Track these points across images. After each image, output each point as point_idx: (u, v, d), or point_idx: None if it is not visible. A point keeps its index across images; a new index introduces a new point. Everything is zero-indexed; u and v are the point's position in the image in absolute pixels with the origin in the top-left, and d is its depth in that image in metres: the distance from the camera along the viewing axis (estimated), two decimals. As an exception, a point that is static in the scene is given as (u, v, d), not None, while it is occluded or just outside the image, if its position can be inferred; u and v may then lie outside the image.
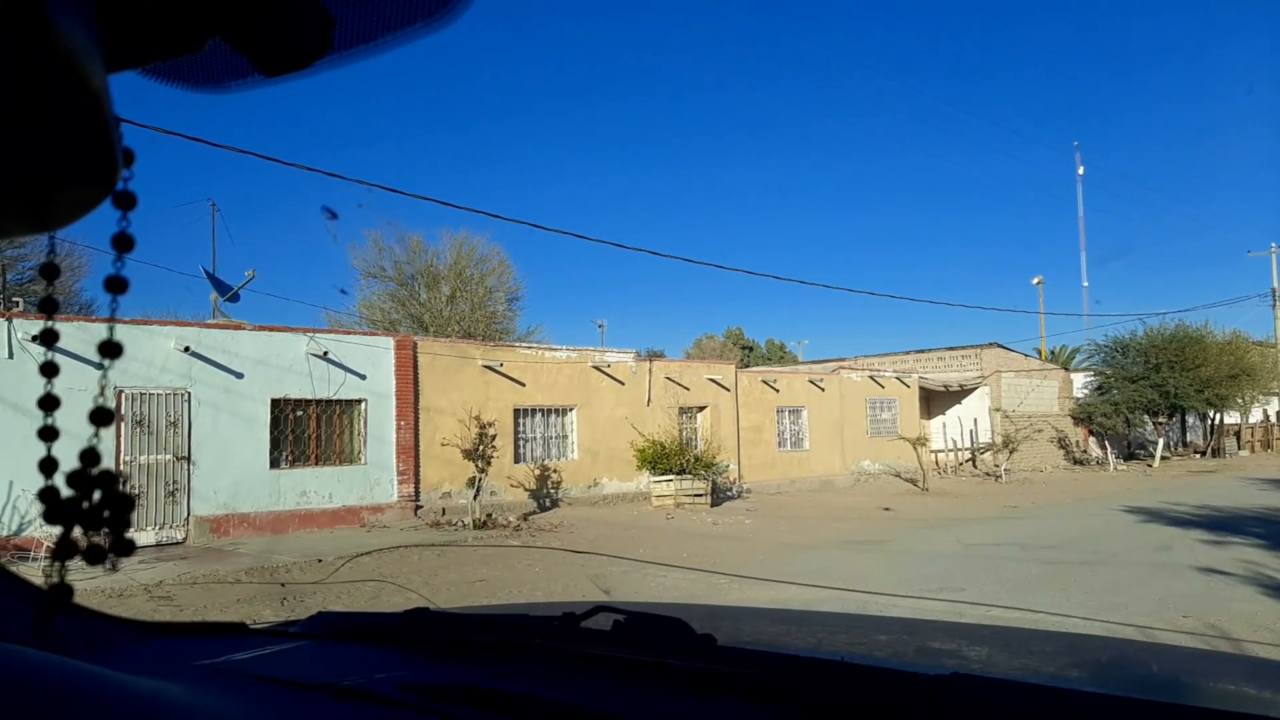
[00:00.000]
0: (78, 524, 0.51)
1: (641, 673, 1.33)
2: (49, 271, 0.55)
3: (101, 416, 0.54)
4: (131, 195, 0.51)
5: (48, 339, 0.56)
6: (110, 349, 0.54)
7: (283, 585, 9.12)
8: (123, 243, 0.52)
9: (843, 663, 1.32)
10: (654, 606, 1.66)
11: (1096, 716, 1.13)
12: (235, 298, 18.14)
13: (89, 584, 9.37)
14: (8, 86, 0.42)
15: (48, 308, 0.56)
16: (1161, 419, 33.26)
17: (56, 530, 0.51)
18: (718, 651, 1.31)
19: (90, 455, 0.52)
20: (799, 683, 1.22)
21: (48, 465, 0.55)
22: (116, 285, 0.54)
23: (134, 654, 1.47)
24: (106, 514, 0.51)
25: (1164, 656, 2.03)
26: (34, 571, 9.71)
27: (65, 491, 0.52)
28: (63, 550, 0.51)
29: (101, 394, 0.53)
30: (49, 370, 0.56)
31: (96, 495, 0.52)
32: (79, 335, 12.42)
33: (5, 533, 11.28)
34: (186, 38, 0.56)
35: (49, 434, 0.56)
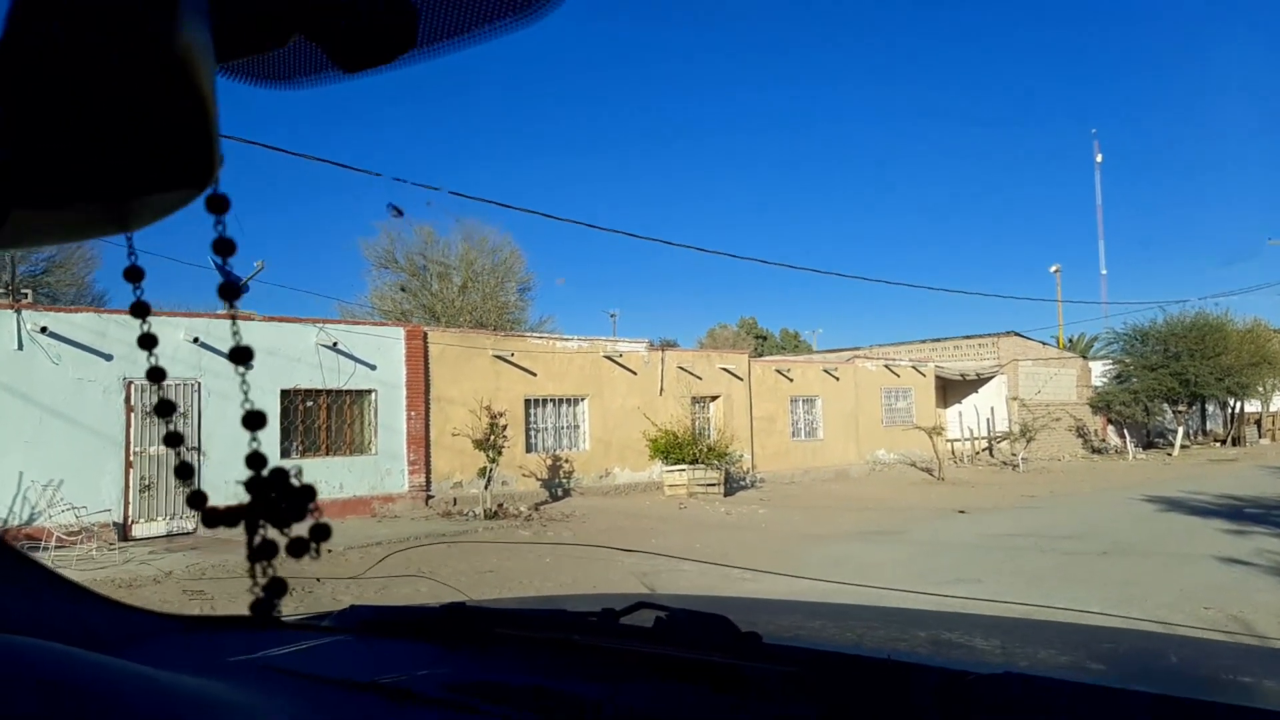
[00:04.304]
0: (270, 522, 0.52)
1: (685, 670, 1.30)
2: (134, 274, 0.55)
3: (254, 420, 0.55)
4: (225, 198, 0.51)
5: (147, 343, 0.56)
6: (241, 354, 0.54)
7: (318, 580, 9.05)
8: (224, 246, 0.52)
9: (890, 661, 1.29)
10: (693, 601, 1.67)
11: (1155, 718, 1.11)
12: (245, 288, 18.15)
13: (98, 574, 9.37)
14: (122, 90, 0.42)
15: (139, 312, 0.56)
16: (1181, 407, 32.93)
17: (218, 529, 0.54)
18: (763, 649, 1.29)
19: (257, 459, 0.53)
20: (849, 681, 1.20)
21: (184, 470, 0.57)
22: (231, 292, 0.54)
23: (168, 649, 1.46)
24: (289, 508, 0.53)
25: (1211, 653, 2.00)
26: (45, 561, 9.69)
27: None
28: (261, 551, 0.53)
29: (245, 399, 0.54)
30: (156, 375, 0.57)
31: (274, 493, 0.53)
32: (89, 326, 12.45)
33: (16, 523, 11.30)
34: (272, 33, 0.56)
35: (174, 440, 0.58)
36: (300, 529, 0.53)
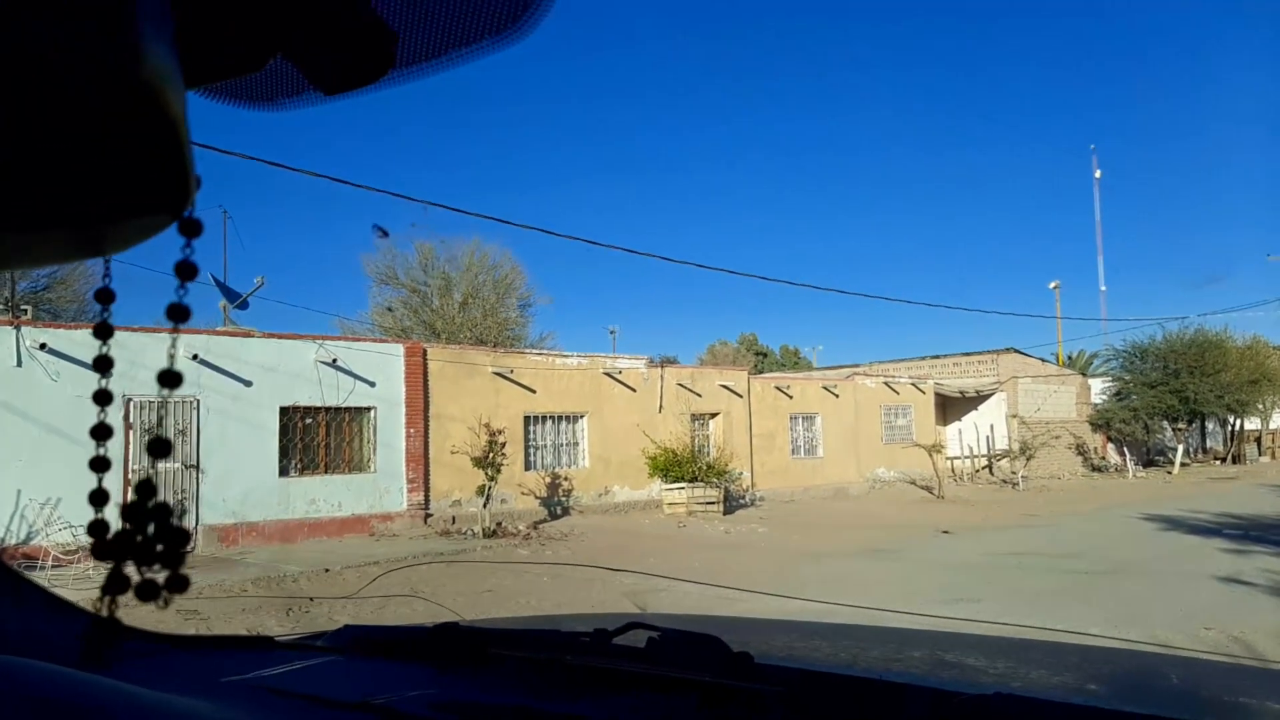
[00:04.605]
0: (131, 559, 0.50)
1: (677, 690, 1.30)
2: (104, 296, 0.54)
3: (158, 447, 0.53)
4: (198, 222, 0.50)
5: (101, 366, 0.55)
6: (170, 379, 0.53)
7: (311, 600, 9.01)
8: (186, 270, 0.51)
9: (881, 681, 1.30)
10: (685, 620, 1.66)
11: None
12: (244, 305, 18.15)
13: (94, 593, 9.31)
14: (89, 117, 0.41)
15: (102, 334, 0.54)
16: (1181, 425, 32.87)
17: (106, 565, 0.51)
18: (754, 669, 1.29)
19: (146, 487, 0.51)
20: (839, 702, 1.20)
21: (99, 497, 0.54)
22: (179, 314, 0.53)
23: (161, 669, 1.47)
24: (160, 549, 0.51)
25: (1210, 674, 2.00)
26: (41, 580, 9.65)
27: (115, 524, 0.50)
28: (114, 584, 0.50)
29: (159, 425, 0.48)
30: (103, 399, 0.55)
31: (150, 529, 0.51)
32: (89, 343, 12.45)
33: (13, 541, 11.26)
34: (249, 57, 0.56)
35: (101, 464, 0.55)
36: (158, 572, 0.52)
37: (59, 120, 0.42)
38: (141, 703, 0.93)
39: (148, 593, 0.50)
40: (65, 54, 0.40)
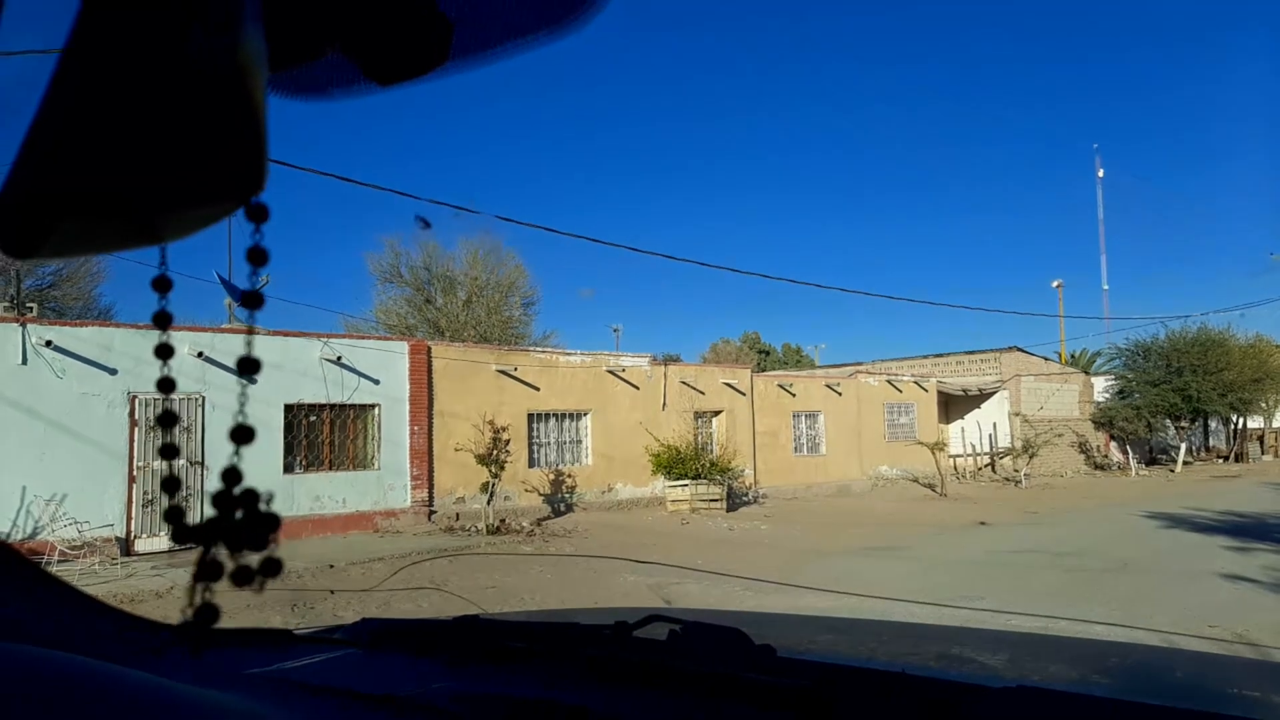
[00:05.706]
0: (224, 544, 0.50)
1: (699, 684, 1.29)
2: (163, 284, 0.54)
3: (242, 434, 0.53)
4: (265, 207, 0.49)
5: (162, 353, 0.55)
6: (248, 365, 0.53)
7: (332, 593, 9.01)
8: (258, 256, 0.51)
9: (904, 674, 1.29)
10: (705, 614, 1.64)
11: None
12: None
13: (100, 589, 9.36)
14: (185, 99, 0.41)
15: (162, 322, 0.54)
16: (1184, 423, 32.85)
17: (187, 547, 0.53)
18: (778, 663, 1.28)
19: (232, 474, 0.51)
20: (865, 696, 1.20)
21: (171, 484, 0.55)
22: (254, 300, 0.53)
23: (183, 662, 1.45)
24: (250, 534, 0.51)
25: (1218, 667, 2.02)
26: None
27: (208, 512, 0.50)
28: (206, 571, 0.50)
29: (241, 410, 0.53)
30: (166, 386, 0.55)
31: (239, 515, 0.51)
32: (94, 340, 12.48)
33: (19, 537, 11.29)
34: (310, 46, 0.56)
35: (170, 451, 0.56)
36: (253, 558, 0.51)
37: (151, 104, 0.41)
38: (169, 694, 0.93)
39: (243, 577, 0.50)
40: (163, 36, 0.40)
